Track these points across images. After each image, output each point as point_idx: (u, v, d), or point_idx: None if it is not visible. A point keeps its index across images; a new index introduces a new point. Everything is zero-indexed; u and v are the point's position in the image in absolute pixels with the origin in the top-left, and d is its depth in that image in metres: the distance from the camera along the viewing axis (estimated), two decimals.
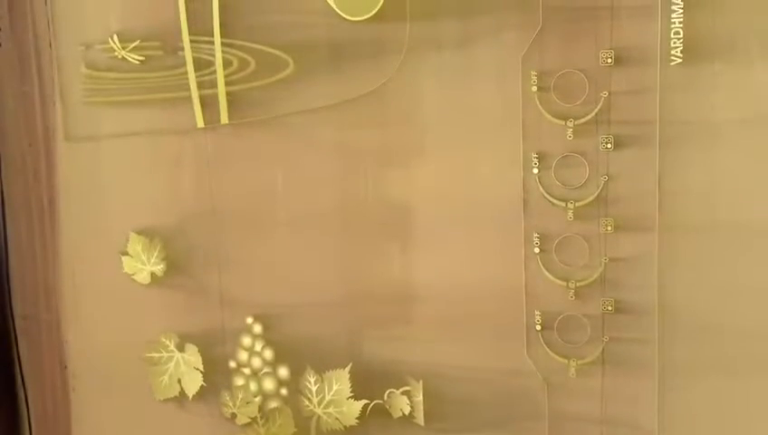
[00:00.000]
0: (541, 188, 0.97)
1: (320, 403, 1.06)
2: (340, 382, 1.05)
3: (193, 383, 1.09)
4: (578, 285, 0.97)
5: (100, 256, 1.09)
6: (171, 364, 1.09)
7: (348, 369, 1.05)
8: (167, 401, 1.11)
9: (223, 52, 1.01)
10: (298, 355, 1.07)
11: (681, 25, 0.91)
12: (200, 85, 1.03)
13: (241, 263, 1.07)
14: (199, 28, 1.01)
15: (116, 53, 1.04)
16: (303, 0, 0.99)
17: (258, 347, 1.07)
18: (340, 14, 0.97)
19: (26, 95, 1.09)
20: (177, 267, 1.08)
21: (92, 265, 1.11)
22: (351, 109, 1.00)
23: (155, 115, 1.05)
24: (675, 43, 0.91)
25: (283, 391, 1.07)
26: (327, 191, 1.03)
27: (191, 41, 1.01)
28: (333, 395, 1.05)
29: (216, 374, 1.10)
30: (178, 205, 1.07)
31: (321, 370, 1.06)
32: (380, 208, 1.02)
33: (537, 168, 0.97)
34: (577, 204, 0.96)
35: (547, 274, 0.98)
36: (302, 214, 1.04)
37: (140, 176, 1.07)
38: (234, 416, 1.10)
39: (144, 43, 1.03)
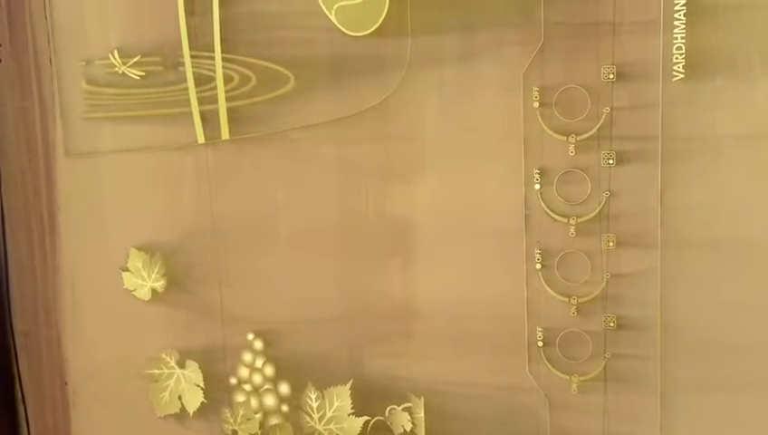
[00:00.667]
0: (542, 204, 0.96)
1: (321, 420, 1.05)
2: (341, 399, 1.05)
3: (194, 400, 1.08)
4: (580, 301, 0.97)
5: (100, 271, 1.09)
6: (172, 381, 1.09)
7: (349, 385, 1.05)
8: (167, 417, 1.11)
9: (224, 67, 1.01)
10: (299, 372, 1.06)
11: (683, 41, 0.91)
12: (201, 101, 1.02)
13: (242, 279, 1.07)
14: (200, 43, 1.01)
15: (116, 69, 1.03)
16: (304, 16, 0.98)
17: (259, 363, 1.07)
18: (342, 29, 0.97)
19: (26, 111, 1.09)
20: (177, 283, 1.08)
21: (93, 281, 1.10)
22: (353, 124, 1.00)
23: (155, 131, 1.05)
24: (677, 58, 0.91)
25: (284, 408, 1.07)
26: (328, 207, 1.03)
27: (192, 56, 1.01)
28: (334, 411, 1.05)
29: (217, 391, 1.10)
30: (179, 221, 1.07)
31: (322, 386, 1.06)
32: (381, 224, 1.02)
33: (539, 183, 0.96)
34: (579, 220, 0.96)
35: (549, 290, 0.98)
36: (303, 230, 1.04)
37: (141, 191, 1.07)
38: (235, 432, 1.09)
39: (144, 59, 1.03)
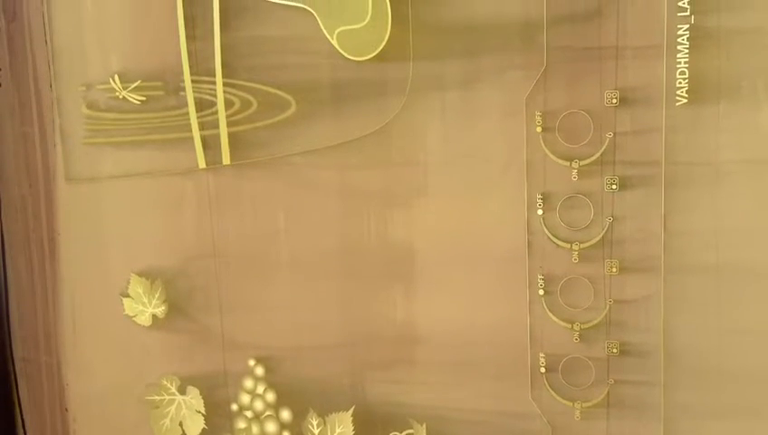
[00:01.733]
0: (545, 230, 0.96)
1: None
2: (342, 425, 1.04)
3: (195, 426, 1.08)
4: (583, 327, 0.97)
5: (100, 297, 1.09)
6: (173, 407, 1.08)
7: (350, 412, 1.04)
8: None
9: (225, 92, 1.01)
10: (300, 398, 1.06)
11: (687, 66, 0.90)
12: (202, 126, 1.02)
13: (243, 305, 1.06)
14: (201, 68, 1.01)
15: (117, 94, 1.03)
16: (306, 40, 0.98)
17: (260, 390, 1.06)
18: (343, 53, 0.96)
19: (26, 136, 1.08)
20: (178, 309, 1.07)
21: (93, 307, 1.10)
22: (354, 149, 1.00)
23: (156, 156, 1.04)
24: (680, 83, 0.91)
25: (286, 434, 1.08)
26: (329, 232, 1.02)
27: (193, 81, 1.01)
28: None
29: (218, 417, 1.09)
30: (180, 246, 1.06)
31: (323, 413, 1.05)
32: (383, 250, 1.01)
33: (542, 209, 0.96)
34: (582, 245, 0.95)
35: (552, 316, 0.97)
36: (305, 255, 1.04)
37: (141, 217, 1.07)
38: None
39: (145, 84, 1.02)
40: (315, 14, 0.96)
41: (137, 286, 1.06)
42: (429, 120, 0.98)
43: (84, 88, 1.04)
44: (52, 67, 1.05)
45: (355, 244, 1.02)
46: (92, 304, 1.09)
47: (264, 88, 1.00)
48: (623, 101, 0.92)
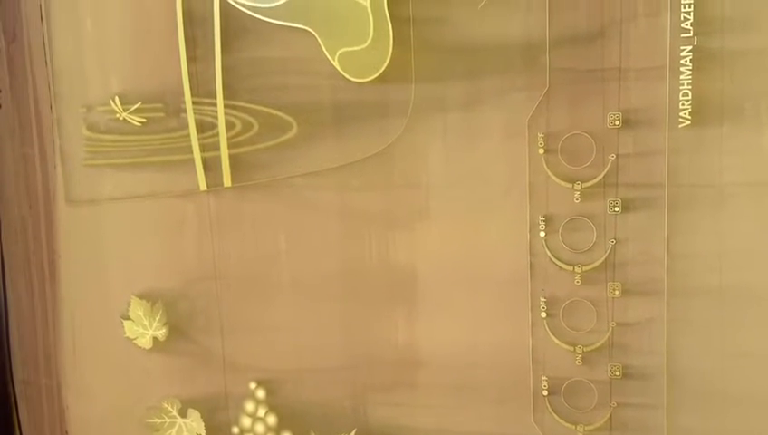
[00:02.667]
0: (548, 252, 0.96)
1: None
2: None
3: None
4: (585, 350, 0.96)
5: (100, 320, 1.08)
6: (173, 430, 1.07)
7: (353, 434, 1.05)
8: None
9: (226, 114, 1.00)
10: (302, 421, 1.05)
11: (690, 87, 0.90)
12: (203, 147, 1.01)
13: (244, 327, 1.05)
14: (202, 90, 1.00)
15: (117, 115, 1.02)
16: (307, 62, 0.97)
17: (261, 413, 1.05)
18: (345, 75, 0.96)
19: (27, 157, 1.08)
20: (179, 332, 1.06)
21: (93, 330, 1.09)
22: (356, 171, 0.99)
23: (156, 178, 1.03)
24: (683, 105, 0.90)
25: None
26: (331, 255, 1.02)
27: (193, 102, 1.00)
28: None
29: None
30: (180, 268, 1.05)
31: None
32: (385, 272, 1.01)
33: (544, 231, 0.96)
34: (584, 268, 0.95)
35: (554, 338, 0.97)
36: (306, 278, 1.03)
37: (142, 239, 1.06)
38: None
39: (146, 105, 1.01)
40: (316, 36, 0.96)
41: (137, 309, 1.05)
42: (431, 142, 0.98)
43: (85, 109, 1.03)
44: (52, 88, 1.04)
45: (356, 266, 1.01)
46: (92, 326, 1.08)
47: (266, 109, 0.99)
48: (626, 122, 0.92)
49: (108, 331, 1.07)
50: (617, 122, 0.92)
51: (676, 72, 0.90)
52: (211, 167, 1.02)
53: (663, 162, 0.92)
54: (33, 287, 1.11)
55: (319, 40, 0.96)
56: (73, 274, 1.09)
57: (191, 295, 1.06)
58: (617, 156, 0.93)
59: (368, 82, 0.96)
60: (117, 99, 1.02)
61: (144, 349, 1.06)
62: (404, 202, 0.99)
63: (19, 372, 1.14)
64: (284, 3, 0.97)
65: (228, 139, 1.01)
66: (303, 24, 0.97)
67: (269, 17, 0.98)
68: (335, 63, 0.96)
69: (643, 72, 0.91)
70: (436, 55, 0.96)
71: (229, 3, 0.98)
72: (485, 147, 0.97)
